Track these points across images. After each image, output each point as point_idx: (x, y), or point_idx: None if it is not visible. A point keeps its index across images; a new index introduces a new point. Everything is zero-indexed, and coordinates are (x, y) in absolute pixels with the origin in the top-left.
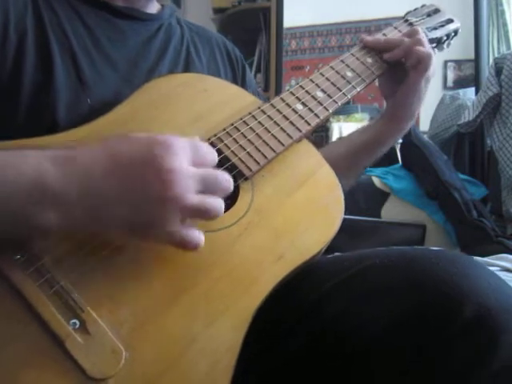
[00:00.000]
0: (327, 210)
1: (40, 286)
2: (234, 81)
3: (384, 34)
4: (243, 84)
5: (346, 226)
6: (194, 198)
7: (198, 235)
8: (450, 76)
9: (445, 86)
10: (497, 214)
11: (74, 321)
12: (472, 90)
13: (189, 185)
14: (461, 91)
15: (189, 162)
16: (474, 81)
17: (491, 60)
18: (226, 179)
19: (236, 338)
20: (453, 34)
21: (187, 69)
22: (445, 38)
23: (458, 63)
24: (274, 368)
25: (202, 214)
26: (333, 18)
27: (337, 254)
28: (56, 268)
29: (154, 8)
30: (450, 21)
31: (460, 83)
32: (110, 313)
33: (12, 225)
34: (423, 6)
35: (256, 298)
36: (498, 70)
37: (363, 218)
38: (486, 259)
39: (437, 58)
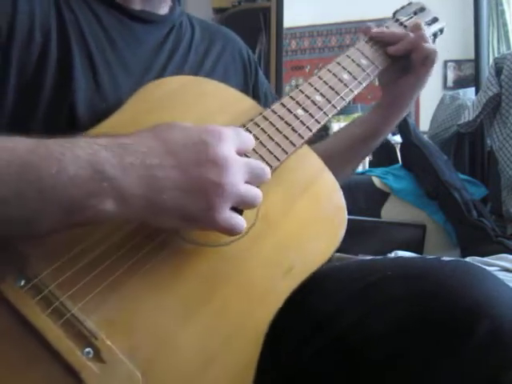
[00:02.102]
0: (330, 220)
1: (49, 315)
2: (245, 81)
3: None
4: (255, 84)
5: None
6: (243, 186)
7: (242, 220)
8: (450, 76)
9: (445, 86)
10: (497, 214)
11: (87, 349)
12: (472, 90)
13: (241, 172)
14: (461, 91)
15: (235, 148)
16: (474, 81)
17: (491, 60)
18: (267, 171)
19: (252, 353)
20: (439, 33)
21: (195, 72)
22: (432, 37)
23: (458, 63)
24: (287, 379)
25: (246, 203)
26: (333, 18)
27: (337, 254)
28: (64, 294)
29: (166, 8)
30: (436, 20)
31: (460, 83)
32: (124, 338)
33: (66, 213)
34: (410, 3)
35: (268, 313)
36: (498, 70)
37: (363, 218)
38: (485, 259)
39: None
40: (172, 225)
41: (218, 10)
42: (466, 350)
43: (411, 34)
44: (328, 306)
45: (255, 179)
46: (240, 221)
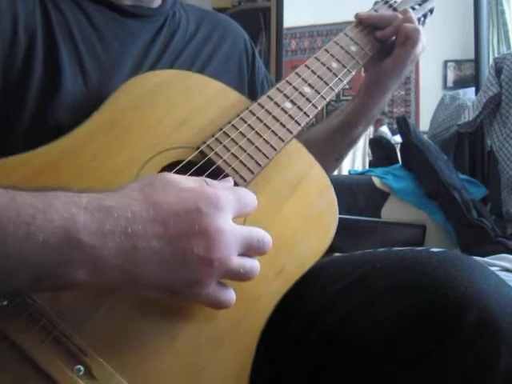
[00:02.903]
0: (321, 217)
1: (36, 333)
2: (241, 71)
3: None
4: (252, 74)
5: (346, 226)
6: (236, 260)
7: (231, 294)
8: (450, 76)
9: (445, 86)
10: (497, 214)
11: (78, 367)
12: (472, 90)
13: (234, 247)
14: (461, 91)
15: (233, 215)
16: (474, 81)
17: (491, 60)
18: (268, 241)
19: (245, 359)
20: (429, 14)
21: (190, 63)
22: (422, 18)
23: (458, 63)
24: (280, 373)
25: (239, 277)
26: (333, 18)
27: (336, 254)
28: (51, 310)
29: (158, 1)
30: None
31: (460, 83)
32: (114, 352)
33: (34, 279)
34: None
35: (261, 317)
36: (498, 70)
37: (363, 218)
38: (485, 259)
39: (437, 58)
40: (150, 296)
41: (218, 10)
42: (455, 341)
43: (400, 16)
44: (319, 300)
45: (253, 251)
46: (228, 296)
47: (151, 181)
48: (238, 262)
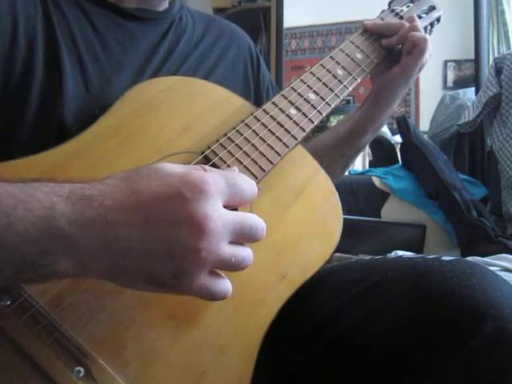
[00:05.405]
0: (326, 222)
1: (37, 334)
2: (246, 79)
3: None
4: (257, 82)
5: (346, 226)
6: (226, 249)
7: (226, 285)
8: (450, 76)
9: (445, 86)
10: (497, 214)
11: (78, 368)
12: (472, 90)
13: (223, 234)
14: (461, 91)
15: (224, 201)
16: (474, 81)
17: (491, 60)
18: (261, 228)
19: (247, 364)
20: (436, 23)
21: (195, 69)
22: (429, 26)
23: (458, 63)
24: (286, 379)
25: (231, 267)
26: (333, 18)
27: (337, 254)
28: (52, 312)
29: (166, 4)
30: (433, 8)
31: (460, 83)
32: (115, 354)
33: (16, 271)
34: None
35: (263, 323)
36: (498, 70)
37: (363, 218)
38: (485, 259)
39: (437, 58)
40: (138, 288)
41: (218, 10)
42: (468, 350)
43: (406, 24)
44: (329, 306)
45: (245, 239)
46: (223, 286)
47: (137, 169)
48: (229, 250)
